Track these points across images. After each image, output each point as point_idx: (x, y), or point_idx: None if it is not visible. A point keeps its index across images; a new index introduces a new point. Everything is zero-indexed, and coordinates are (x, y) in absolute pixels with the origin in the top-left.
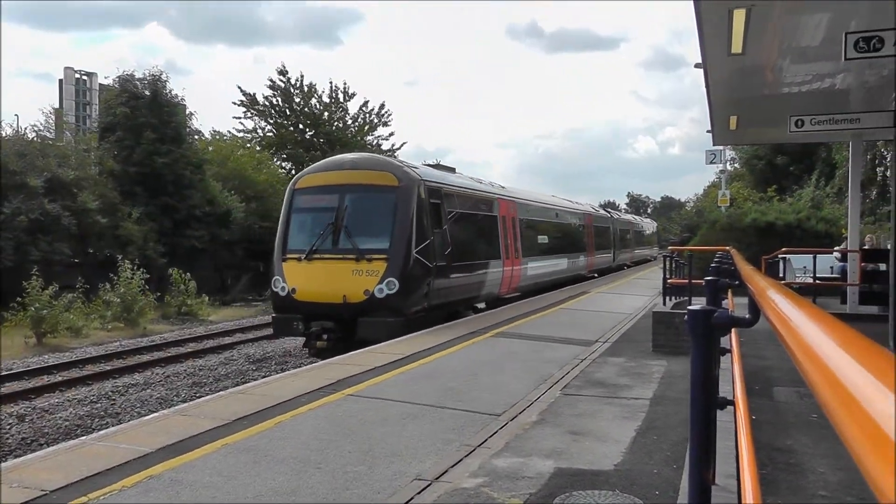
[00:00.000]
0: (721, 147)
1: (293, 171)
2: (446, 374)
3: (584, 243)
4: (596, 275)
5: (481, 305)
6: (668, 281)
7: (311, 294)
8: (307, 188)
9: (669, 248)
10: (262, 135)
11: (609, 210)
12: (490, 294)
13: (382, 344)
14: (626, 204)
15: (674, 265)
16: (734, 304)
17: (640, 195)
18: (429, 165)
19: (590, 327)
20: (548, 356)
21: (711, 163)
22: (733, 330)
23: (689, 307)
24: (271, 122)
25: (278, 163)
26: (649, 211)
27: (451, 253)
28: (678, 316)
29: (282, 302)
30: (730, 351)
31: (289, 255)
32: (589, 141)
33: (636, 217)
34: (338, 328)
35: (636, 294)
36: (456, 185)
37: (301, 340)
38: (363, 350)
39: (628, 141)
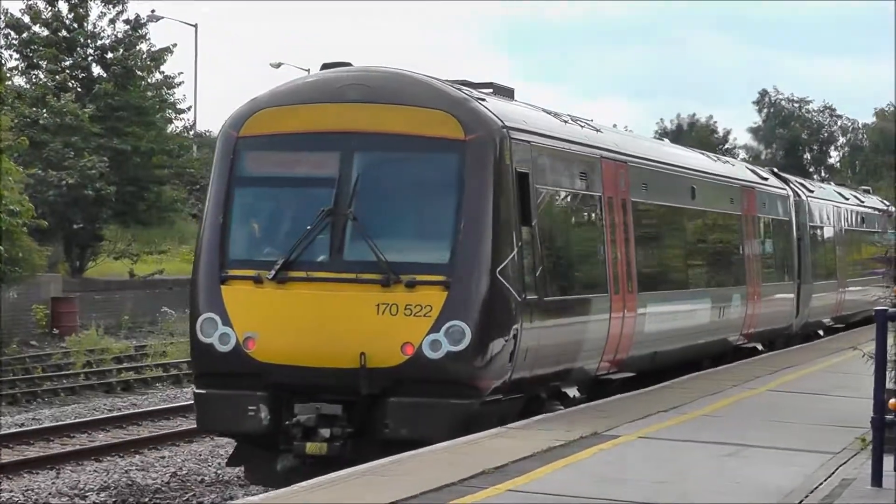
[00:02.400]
0: None
1: None
2: None
3: (743, 263)
4: (759, 346)
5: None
6: None
7: (290, 351)
8: (265, 137)
9: None
10: None
11: (778, 173)
12: (583, 369)
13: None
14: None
15: None
16: None
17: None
18: (463, 84)
19: None
20: None
21: None
22: None
23: None
24: None
25: None
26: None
27: (543, 274)
28: None
29: (221, 364)
30: None
31: (233, 272)
32: None
33: (839, 189)
34: (348, 416)
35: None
36: (551, 136)
37: (223, 452)
38: None
39: None
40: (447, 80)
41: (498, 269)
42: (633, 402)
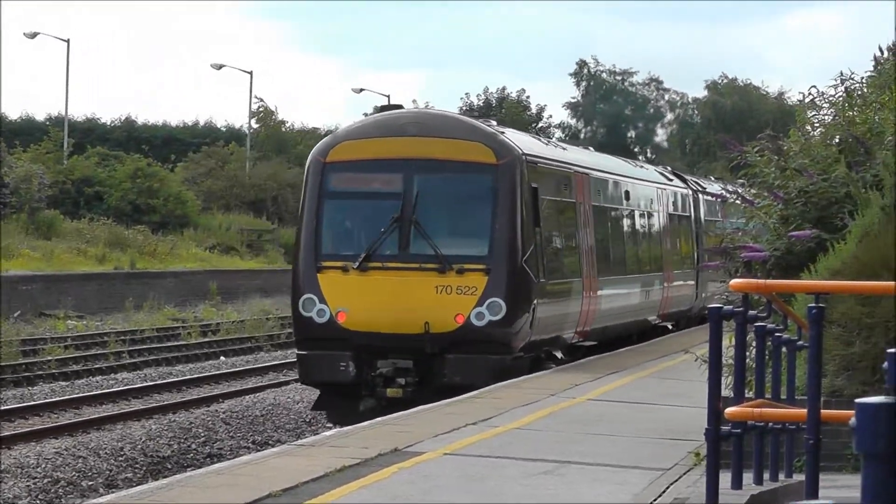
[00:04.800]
0: None
1: None
2: None
3: (660, 253)
4: (670, 325)
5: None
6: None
7: (372, 321)
8: (347, 162)
9: (734, 283)
10: None
11: (678, 173)
12: (564, 337)
13: None
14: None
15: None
16: None
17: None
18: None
19: None
20: None
21: None
22: None
23: None
24: None
25: None
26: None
27: (546, 263)
28: None
29: (318, 332)
30: None
31: (326, 264)
32: None
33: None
34: (416, 369)
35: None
36: (547, 158)
37: (308, 397)
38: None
39: None
40: (480, 119)
41: (523, 259)
42: (438, 415)
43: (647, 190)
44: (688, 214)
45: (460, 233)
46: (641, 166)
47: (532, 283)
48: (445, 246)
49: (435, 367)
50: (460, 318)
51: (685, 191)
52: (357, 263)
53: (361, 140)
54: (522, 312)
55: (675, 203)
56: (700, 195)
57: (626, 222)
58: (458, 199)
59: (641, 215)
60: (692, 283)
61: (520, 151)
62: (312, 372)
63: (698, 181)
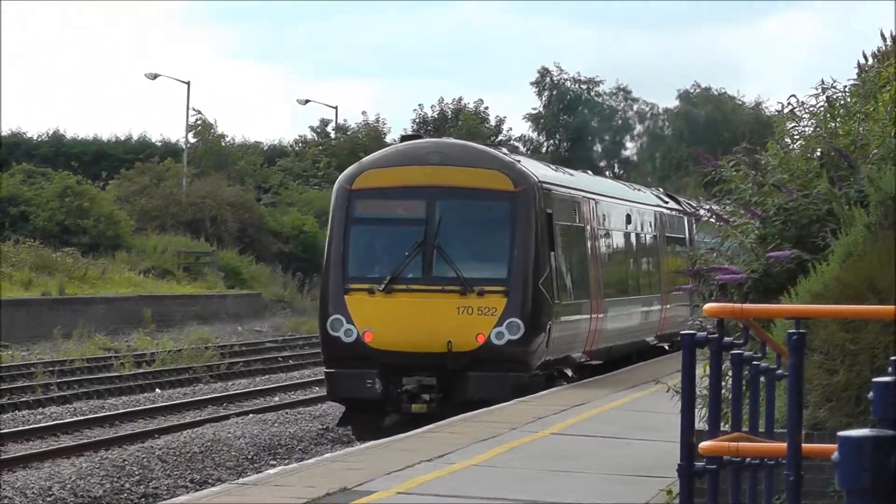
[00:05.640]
0: None
1: None
2: None
3: (658, 275)
4: (666, 346)
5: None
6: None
7: (397, 341)
8: (372, 190)
9: (708, 307)
10: None
11: (671, 195)
12: (574, 356)
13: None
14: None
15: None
16: None
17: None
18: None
19: None
20: None
21: None
22: None
23: None
24: None
25: None
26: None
27: (559, 286)
28: None
29: (346, 351)
30: None
31: (353, 286)
32: None
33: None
34: (439, 386)
35: None
36: (558, 184)
37: (333, 414)
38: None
39: None
40: (499, 148)
41: (540, 282)
42: (390, 451)
43: (646, 213)
44: (682, 236)
45: (480, 257)
46: (639, 189)
47: (548, 305)
48: (466, 269)
49: (457, 384)
50: (481, 338)
51: (679, 213)
52: (383, 286)
53: (386, 168)
54: (539, 332)
55: (671, 225)
56: (693, 217)
57: (627, 245)
58: (478, 225)
59: (641, 238)
60: (687, 304)
61: (535, 179)
62: (340, 389)
63: (692, 202)
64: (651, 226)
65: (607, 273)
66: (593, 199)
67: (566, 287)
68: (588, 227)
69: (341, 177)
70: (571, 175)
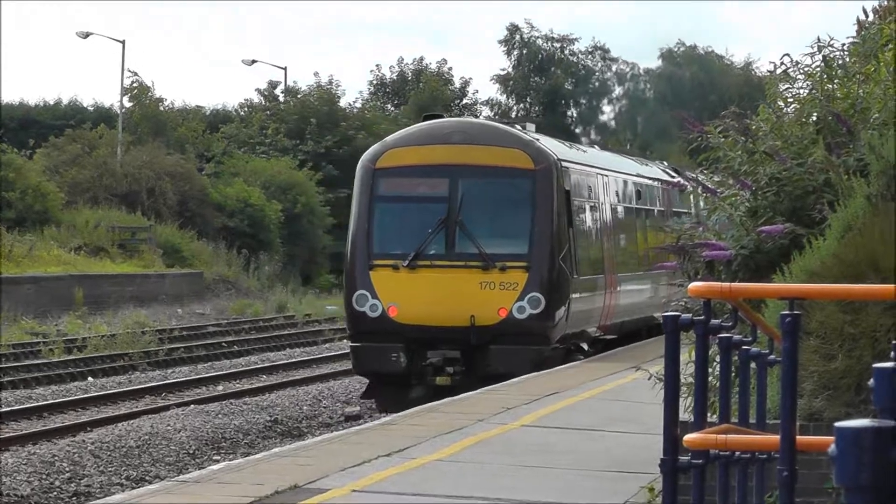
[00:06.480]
0: None
1: None
2: None
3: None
4: None
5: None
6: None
7: (421, 315)
8: (396, 168)
9: (693, 287)
10: None
11: (677, 169)
12: (589, 331)
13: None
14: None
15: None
16: None
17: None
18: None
19: None
20: None
21: None
22: None
23: None
24: None
25: None
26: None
27: (577, 261)
28: None
29: (371, 325)
30: None
31: (378, 262)
32: None
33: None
34: (463, 359)
35: None
36: (575, 162)
37: (357, 386)
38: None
39: None
40: (518, 126)
41: (560, 257)
42: (345, 444)
43: (655, 188)
44: (687, 210)
45: (502, 233)
46: (646, 164)
47: (567, 280)
48: (488, 245)
49: (480, 357)
50: (503, 312)
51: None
52: (407, 262)
53: (409, 147)
54: (559, 306)
55: (676, 198)
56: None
57: (638, 221)
58: (499, 202)
59: (650, 213)
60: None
61: (555, 157)
62: (366, 363)
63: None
64: (659, 201)
65: (619, 248)
66: (605, 175)
67: (584, 263)
68: (602, 204)
69: (365, 155)
70: (584, 151)
